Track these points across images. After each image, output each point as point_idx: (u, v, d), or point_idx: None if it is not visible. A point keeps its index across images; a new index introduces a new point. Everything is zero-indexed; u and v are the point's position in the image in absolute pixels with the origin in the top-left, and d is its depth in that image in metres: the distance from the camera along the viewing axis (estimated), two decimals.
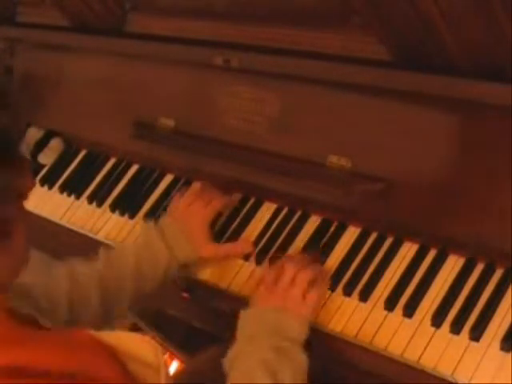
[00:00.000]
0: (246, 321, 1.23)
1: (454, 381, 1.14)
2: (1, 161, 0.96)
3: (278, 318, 1.20)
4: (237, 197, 1.51)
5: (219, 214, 1.48)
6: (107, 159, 1.78)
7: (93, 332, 1.03)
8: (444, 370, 1.15)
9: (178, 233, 1.39)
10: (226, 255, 1.42)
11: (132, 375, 1.00)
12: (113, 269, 1.36)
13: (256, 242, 1.43)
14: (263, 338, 1.17)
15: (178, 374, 1.58)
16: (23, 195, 1.02)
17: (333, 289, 1.30)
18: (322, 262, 1.33)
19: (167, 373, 1.04)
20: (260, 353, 1.15)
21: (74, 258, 1.38)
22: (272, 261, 1.37)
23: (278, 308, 1.21)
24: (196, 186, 1.52)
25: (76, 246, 1.65)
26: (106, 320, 1.32)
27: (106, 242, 1.60)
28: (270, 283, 1.26)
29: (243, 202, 1.51)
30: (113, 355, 1.01)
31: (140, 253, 1.37)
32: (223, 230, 1.49)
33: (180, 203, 1.46)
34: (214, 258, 1.42)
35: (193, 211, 1.43)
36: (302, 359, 1.17)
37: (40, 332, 1.03)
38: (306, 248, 1.38)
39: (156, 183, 1.66)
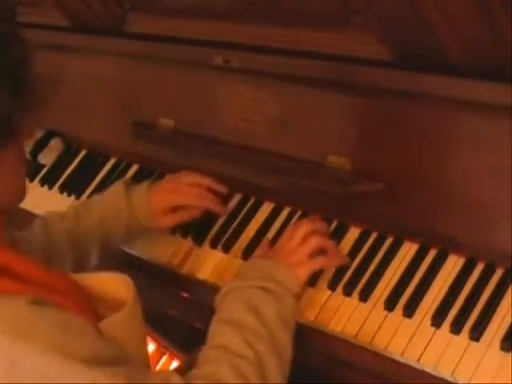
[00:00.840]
0: (244, 266, 1.29)
1: (454, 381, 1.14)
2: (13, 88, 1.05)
3: (273, 266, 1.23)
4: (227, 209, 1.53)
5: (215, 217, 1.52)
6: (107, 159, 1.78)
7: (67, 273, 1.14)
8: (444, 370, 1.15)
9: (143, 196, 1.47)
10: (179, 222, 1.50)
11: (99, 315, 1.08)
12: (80, 223, 1.47)
13: (256, 242, 1.43)
14: (254, 279, 1.21)
15: (175, 370, 1.59)
16: (19, 133, 1.09)
17: (333, 289, 1.30)
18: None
19: (135, 304, 1.10)
20: (247, 290, 1.19)
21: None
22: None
23: (278, 260, 1.25)
24: (192, 177, 1.54)
25: None
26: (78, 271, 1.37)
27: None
28: (283, 241, 1.30)
29: (243, 201, 1.51)
30: (83, 292, 1.09)
31: (104, 209, 1.48)
32: (223, 230, 1.49)
33: (169, 178, 1.55)
34: (170, 226, 1.51)
35: (171, 189, 1.50)
36: (290, 303, 1.19)
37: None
38: None
39: None
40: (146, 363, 1.15)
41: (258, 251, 1.37)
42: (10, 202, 1.14)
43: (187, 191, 1.50)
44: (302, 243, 1.27)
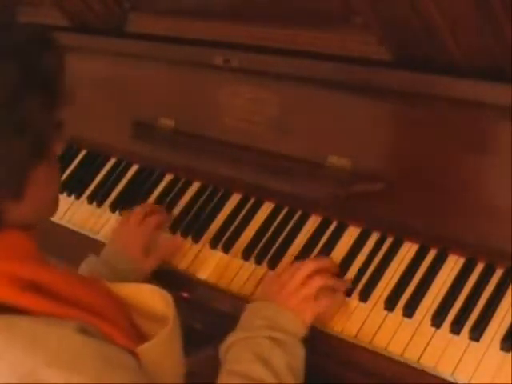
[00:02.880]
0: (248, 312, 1.23)
1: (454, 381, 1.14)
2: (48, 97, 1.01)
3: (278, 311, 1.20)
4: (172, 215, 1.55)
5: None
6: (107, 159, 1.78)
7: (105, 281, 1.10)
8: (444, 370, 1.15)
9: (121, 255, 1.43)
10: (164, 258, 1.48)
11: (139, 327, 1.06)
12: None
13: (256, 242, 1.43)
14: (260, 328, 1.18)
15: None
16: (52, 149, 1.06)
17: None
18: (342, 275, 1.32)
19: (175, 324, 1.07)
20: (254, 341, 1.16)
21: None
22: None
23: (281, 303, 1.21)
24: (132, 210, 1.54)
25: (76, 245, 1.65)
26: None
27: (106, 241, 1.60)
28: (284, 280, 1.25)
29: (243, 201, 1.51)
30: (121, 304, 1.06)
31: None
32: (223, 230, 1.49)
33: (117, 225, 1.52)
34: (156, 265, 1.46)
35: (128, 231, 1.47)
36: (297, 351, 1.17)
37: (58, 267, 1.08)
38: (306, 248, 1.38)
39: (156, 183, 1.66)
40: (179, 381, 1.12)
41: (265, 286, 1.32)
42: (42, 216, 1.11)
43: (147, 227, 1.48)
44: (305, 284, 1.23)
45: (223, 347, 1.19)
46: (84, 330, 0.96)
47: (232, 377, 1.13)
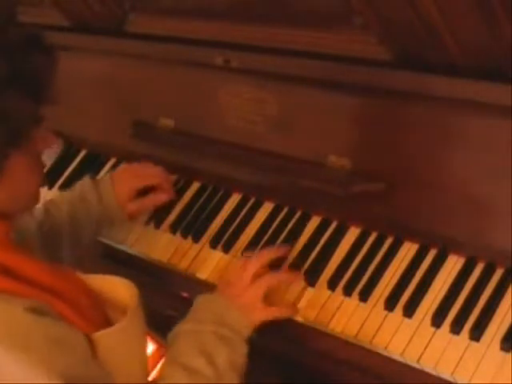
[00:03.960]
0: (199, 303, 1.27)
1: (454, 381, 1.14)
2: (30, 93, 1.06)
3: (227, 307, 1.23)
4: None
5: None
6: (107, 159, 1.78)
7: (77, 273, 1.15)
8: (444, 370, 1.15)
9: (109, 187, 1.51)
10: (148, 206, 1.55)
11: (107, 316, 1.10)
12: (49, 216, 1.48)
13: (256, 242, 1.43)
14: (207, 322, 1.21)
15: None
16: (30, 141, 1.09)
17: (333, 289, 1.30)
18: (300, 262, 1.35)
19: (135, 314, 1.11)
20: (201, 334, 1.19)
21: None
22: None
23: (231, 300, 1.25)
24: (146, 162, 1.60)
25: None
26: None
27: (106, 241, 1.60)
28: (234, 278, 1.29)
29: (243, 201, 1.51)
30: (89, 293, 1.10)
31: (74, 203, 1.49)
32: (223, 230, 1.49)
33: (120, 168, 1.61)
34: (139, 212, 1.55)
35: (131, 175, 1.54)
36: (241, 350, 1.20)
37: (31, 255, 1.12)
38: (306, 248, 1.38)
39: None
40: (143, 375, 1.16)
41: (225, 278, 1.35)
42: (19, 207, 1.14)
43: (148, 172, 1.55)
44: (253, 285, 1.26)
45: (171, 334, 1.23)
46: (35, 309, 0.99)
47: (175, 367, 1.16)
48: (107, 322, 1.10)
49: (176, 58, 1.58)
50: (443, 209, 1.24)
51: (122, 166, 1.63)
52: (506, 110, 1.15)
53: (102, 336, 1.06)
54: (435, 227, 1.26)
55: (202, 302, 1.27)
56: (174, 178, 1.61)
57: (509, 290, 1.18)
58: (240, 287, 1.26)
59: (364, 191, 1.32)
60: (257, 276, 1.27)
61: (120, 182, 1.52)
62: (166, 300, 1.51)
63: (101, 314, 1.11)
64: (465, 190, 1.22)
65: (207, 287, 1.41)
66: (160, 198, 1.55)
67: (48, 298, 1.03)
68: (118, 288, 1.14)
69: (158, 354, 1.60)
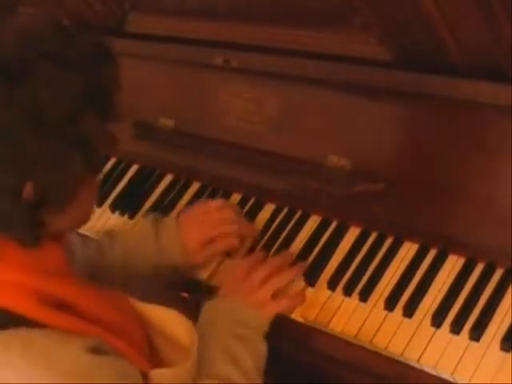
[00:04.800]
0: (210, 309, 1.24)
1: (454, 381, 1.14)
2: (104, 112, 1.01)
3: (239, 308, 1.22)
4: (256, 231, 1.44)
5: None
6: (107, 159, 1.78)
7: (131, 299, 1.09)
8: (444, 370, 1.15)
9: (174, 235, 1.37)
10: (215, 255, 1.40)
11: (156, 349, 1.06)
12: (103, 255, 1.38)
13: (256, 242, 1.43)
14: (223, 325, 1.19)
15: None
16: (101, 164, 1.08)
17: (333, 289, 1.30)
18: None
19: (195, 359, 1.08)
20: (220, 339, 1.17)
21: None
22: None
23: (244, 298, 1.23)
24: (218, 202, 1.45)
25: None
26: None
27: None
28: (242, 275, 1.27)
29: (243, 201, 1.51)
30: (142, 324, 1.07)
31: (130, 245, 1.38)
32: None
33: (194, 209, 1.44)
34: (206, 262, 1.40)
35: (200, 222, 1.39)
36: (261, 348, 1.19)
37: (88, 282, 1.08)
38: (306, 248, 1.38)
39: (156, 183, 1.66)
40: None
41: (232, 277, 1.31)
42: (75, 227, 1.12)
43: (217, 219, 1.39)
44: (264, 284, 1.25)
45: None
46: (95, 349, 0.95)
47: (204, 379, 1.13)
48: (156, 355, 1.07)
49: (176, 57, 1.58)
50: (443, 209, 1.24)
51: (193, 209, 1.43)
52: (506, 110, 1.15)
53: (160, 374, 1.03)
54: (435, 227, 1.26)
55: (213, 307, 1.24)
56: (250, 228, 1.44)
57: (509, 290, 1.18)
58: (251, 286, 1.25)
59: (364, 191, 1.32)
60: (266, 276, 1.26)
61: (188, 231, 1.37)
62: (166, 300, 1.50)
63: (149, 345, 1.08)
64: (465, 190, 1.22)
65: (207, 287, 1.42)
66: (229, 242, 1.39)
67: (107, 335, 0.99)
68: (174, 323, 1.10)
69: None
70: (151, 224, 1.40)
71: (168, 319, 1.11)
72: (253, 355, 1.17)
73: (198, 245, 1.37)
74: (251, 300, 1.23)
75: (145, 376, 1.02)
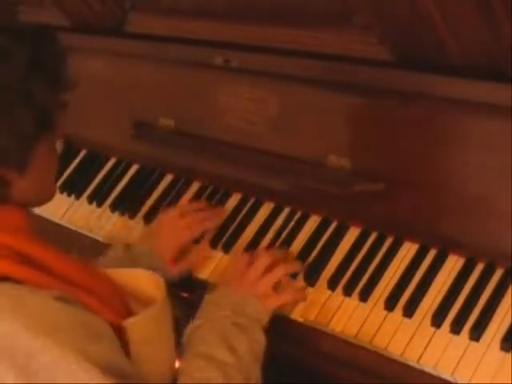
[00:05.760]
0: (212, 298, 1.26)
1: (454, 381, 1.14)
2: (51, 79, 1.10)
3: (241, 297, 1.24)
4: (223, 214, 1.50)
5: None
6: (107, 159, 1.78)
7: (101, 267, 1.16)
8: (444, 370, 1.15)
9: (148, 255, 1.40)
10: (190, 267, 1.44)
11: (132, 310, 1.10)
12: None
13: (256, 242, 1.43)
14: (223, 314, 1.21)
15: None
16: (55, 127, 1.12)
17: (333, 289, 1.30)
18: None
19: (163, 306, 1.12)
20: (219, 326, 1.19)
21: None
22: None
23: (245, 288, 1.25)
24: (184, 203, 1.54)
25: (76, 246, 1.65)
26: None
27: (106, 242, 1.60)
28: (242, 268, 1.29)
29: (243, 201, 1.51)
30: (113, 286, 1.11)
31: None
32: (223, 230, 1.49)
33: (163, 217, 1.47)
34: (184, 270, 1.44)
35: (171, 230, 1.44)
36: (260, 338, 1.21)
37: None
38: (306, 248, 1.38)
39: (156, 183, 1.66)
40: (170, 366, 1.15)
41: (233, 271, 1.33)
42: (38, 198, 1.15)
43: (184, 227, 1.44)
44: (266, 274, 1.27)
45: (188, 330, 1.21)
46: (63, 299, 0.99)
47: (197, 359, 1.15)
48: (131, 314, 1.10)
49: (176, 58, 1.58)
50: (443, 209, 1.25)
51: (158, 222, 1.47)
52: (506, 109, 1.15)
53: (133, 323, 1.06)
54: (435, 227, 1.26)
55: (215, 296, 1.26)
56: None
57: (509, 290, 1.18)
58: (253, 278, 1.27)
59: (364, 191, 1.32)
60: (268, 268, 1.28)
61: (160, 248, 1.41)
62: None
63: (126, 306, 1.11)
64: (465, 190, 1.22)
65: (207, 287, 1.42)
66: (201, 254, 1.46)
67: (73, 289, 1.03)
68: (143, 280, 1.15)
69: None
70: (125, 257, 1.41)
71: (137, 278, 1.15)
72: (250, 343, 1.18)
73: (171, 252, 1.41)
74: (252, 292, 1.25)
75: (120, 330, 1.05)
